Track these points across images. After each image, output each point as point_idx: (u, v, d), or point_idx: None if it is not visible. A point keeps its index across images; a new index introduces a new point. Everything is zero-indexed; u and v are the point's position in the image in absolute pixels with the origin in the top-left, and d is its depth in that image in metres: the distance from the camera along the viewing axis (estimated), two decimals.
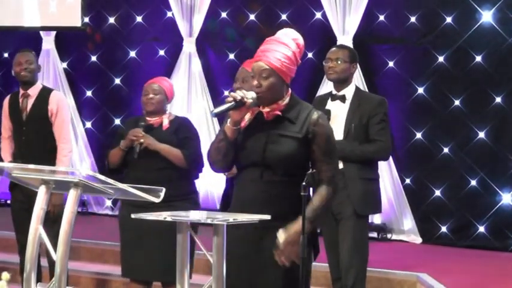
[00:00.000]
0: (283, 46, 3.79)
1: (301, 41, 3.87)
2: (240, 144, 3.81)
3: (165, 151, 5.30)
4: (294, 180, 3.72)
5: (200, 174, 5.55)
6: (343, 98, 5.24)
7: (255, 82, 3.76)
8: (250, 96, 3.74)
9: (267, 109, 3.80)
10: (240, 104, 3.71)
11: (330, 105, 5.26)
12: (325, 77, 5.41)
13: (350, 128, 5.15)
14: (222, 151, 3.80)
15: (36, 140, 5.90)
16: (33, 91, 6.02)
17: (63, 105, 6.06)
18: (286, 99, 3.81)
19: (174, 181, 5.18)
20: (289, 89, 3.86)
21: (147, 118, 5.44)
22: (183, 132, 5.41)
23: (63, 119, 5.98)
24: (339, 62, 5.23)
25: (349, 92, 5.26)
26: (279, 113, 3.78)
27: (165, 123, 5.40)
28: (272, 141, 3.76)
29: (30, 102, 5.99)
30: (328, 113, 5.12)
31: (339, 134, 5.11)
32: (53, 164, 5.78)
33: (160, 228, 5.02)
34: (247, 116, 3.82)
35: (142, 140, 5.28)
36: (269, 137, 3.77)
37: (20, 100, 6.01)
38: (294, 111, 3.80)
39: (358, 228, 5.15)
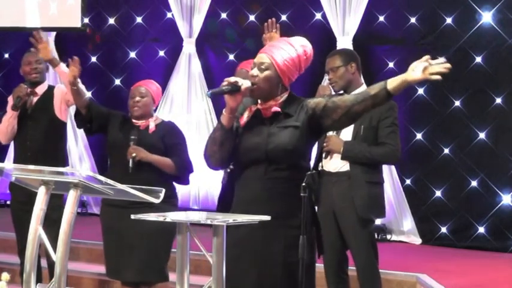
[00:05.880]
0: (291, 47, 3.85)
1: (309, 49, 3.91)
2: (241, 143, 3.82)
3: (157, 162, 5.36)
4: (297, 176, 3.72)
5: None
6: None
7: (253, 71, 3.81)
8: (246, 83, 3.76)
9: (264, 106, 3.83)
10: (234, 89, 3.73)
11: None
12: (325, 77, 5.36)
13: (359, 130, 5.06)
14: (217, 141, 3.79)
15: (42, 135, 5.92)
16: (40, 90, 6.06)
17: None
18: (285, 96, 3.85)
19: (154, 183, 5.16)
20: (289, 89, 3.88)
21: (133, 120, 5.48)
22: (171, 138, 5.45)
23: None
24: (334, 71, 5.18)
25: None
26: (278, 108, 3.81)
27: (151, 126, 5.45)
28: (273, 134, 3.78)
29: (36, 99, 6.03)
30: None
31: (347, 135, 5.09)
32: (55, 159, 5.78)
33: (142, 230, 5.08)
34: (246, 114, 3.84)
35: (135, 154, 5.30)
36: (270, 132, 3.79)
37: (27, 96, 6.02)
38: (293, 106, 3.83)
39: (366, 233, 5.08)
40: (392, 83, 3.68)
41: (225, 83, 3.75)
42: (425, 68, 3.60)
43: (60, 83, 9.16)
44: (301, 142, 3.79)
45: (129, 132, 5.40)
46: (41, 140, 5.92)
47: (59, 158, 5.93)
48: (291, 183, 3.76)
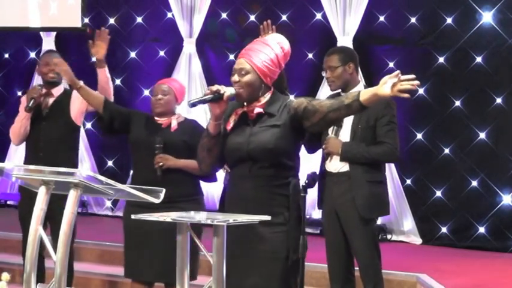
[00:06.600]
0: (268, 48, 3.94)
1: (286, 45, 4.01)
2: (226, 144, 3.93)
3: (185, 167, 5.32)
4: (282, 175, 3.85)
5: None
6: None
7: (234, 77, 3.90)
8: (228, 90, 3.85)
9: (249, 108, 3.92)
10: (217, 97, 3.84)
11: None
12: (323, 74, 5.34)
13: (357, 130, 5.04)
14: (205, 147, 3.93)
15: (56, 136, 5.89)
16: (57, 91, 6.01)
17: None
18: (268, 97, 3.94)
19: (180, 182, 5.19)
20: (272, 88, 3.97)
21: (156, 118, 5.45)
22: (194, 138, 5.36)
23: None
24: (332, 70, 5.15)
25: None
26: (260, 110, 3.90)
27: (173, 124, 5.41)
28: (254, 134, 3.88)
29: (52, 100, 5.99)
30: None
31: (345, 136, 5.08)
32: (66, 161, 5.76)
33: (164, 229, 5.04)
34: (232, 118, 3.95)
35: (162, 163, 5.29)
36: (252, 132, 3.89)
37: (41, 98, 5.99)
38: (275, 105, 3.92)
39: (369, 233, 5.07)
40: (364, 94, 3.70)
41: (207, 92, 3.86)
42: (394, 85, 3.59)
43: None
44: (283, 141, 3.86)
45: (152, 132, 5.35)
46: (54, 141, 5.87)
47: (71, 160, 5.88)
48: (276, 181, 3.85)
